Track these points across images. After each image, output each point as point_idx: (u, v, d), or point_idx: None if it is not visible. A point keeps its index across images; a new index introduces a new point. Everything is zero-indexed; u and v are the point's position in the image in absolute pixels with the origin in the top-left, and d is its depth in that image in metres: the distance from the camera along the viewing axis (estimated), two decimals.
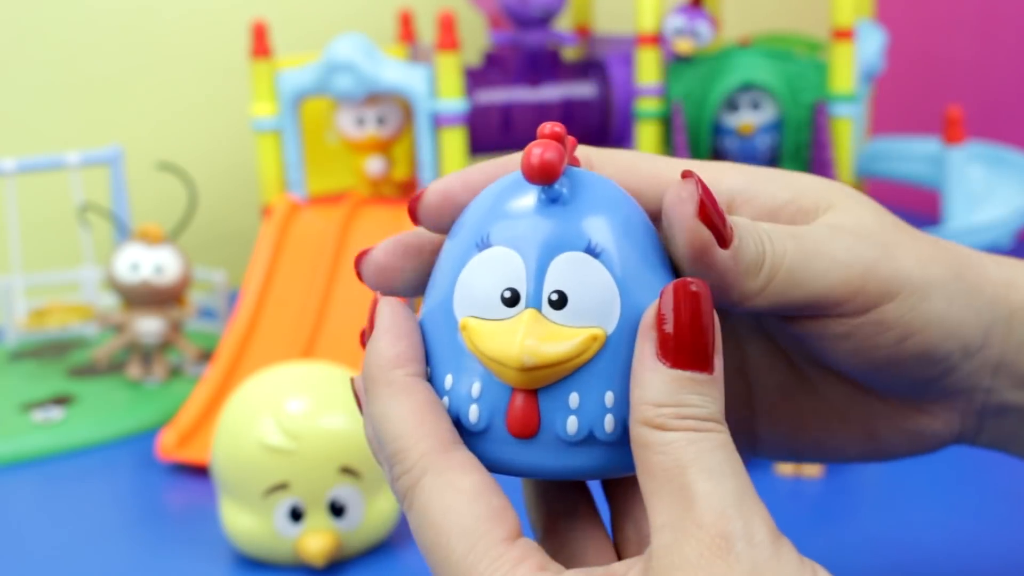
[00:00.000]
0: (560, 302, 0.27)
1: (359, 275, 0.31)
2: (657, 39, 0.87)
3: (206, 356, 0.86)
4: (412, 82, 0.83)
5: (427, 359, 0.29)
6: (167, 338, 0.84)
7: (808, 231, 0.30)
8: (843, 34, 0.84)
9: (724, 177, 0.32)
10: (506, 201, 0.28)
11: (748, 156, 0.91)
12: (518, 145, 1.01)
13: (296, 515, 0.57)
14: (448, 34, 0.82)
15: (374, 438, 0.29)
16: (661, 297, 0.27)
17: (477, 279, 0.28)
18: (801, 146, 0.89)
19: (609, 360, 0.27)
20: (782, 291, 0.29)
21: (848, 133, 0.86)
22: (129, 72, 1.11)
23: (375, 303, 0.30)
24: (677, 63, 0.89)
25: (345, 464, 0.57)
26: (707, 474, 0.25)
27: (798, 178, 0.33)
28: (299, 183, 0.87)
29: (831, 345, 0.30)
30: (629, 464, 0.28)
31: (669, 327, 0.26)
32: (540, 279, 0.27)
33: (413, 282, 0.31)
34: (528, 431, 0.27)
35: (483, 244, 0.28)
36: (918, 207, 1.27)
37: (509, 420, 0.27)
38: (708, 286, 0.27)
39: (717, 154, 0.92)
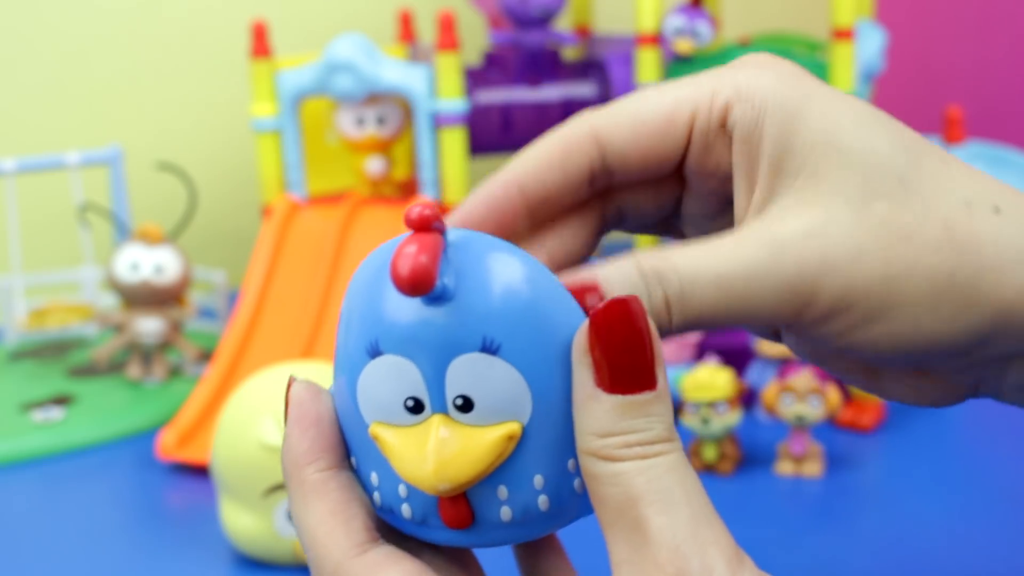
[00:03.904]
0: (466, 406, 0.25)
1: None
2: (657, 39, 0.87)
3: (206, 356, 0.86)
4: (412, 82, 0.83)
5: (348, 444, 0.28)
6: (167, 338, 0.84)
7: (742, 261, 0.26)
8: (843, 34, 0.84)
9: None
10: (387, 295, 0.26)
11: None
12: (517, 146, 1.01)
13: None
14: (448, 34, 0.82)
15: None
16: (590, 320, 0.25)
17: (376, 387, 0.26)
18: None
19: (532, 447, 0.26)
20: (698, 330, 0.27)
21: None
22: (129, 72, 1.11)
23: (289, 386, 0.29)
24: (677, 63, 0.89)
25: None
26: (659, 505, 0.24)
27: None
28: (299, 183, 0.87)
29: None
30: (575, 516, 0.28)
31: (601, 353, 0.25)
32: (440, 387, 0.25)
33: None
34: (463, 525, 0.27)
35: (373, 351, 0.26)
36: None
37: (443, 517, 0.27)
38: (638, 300, 0.25)
39: None
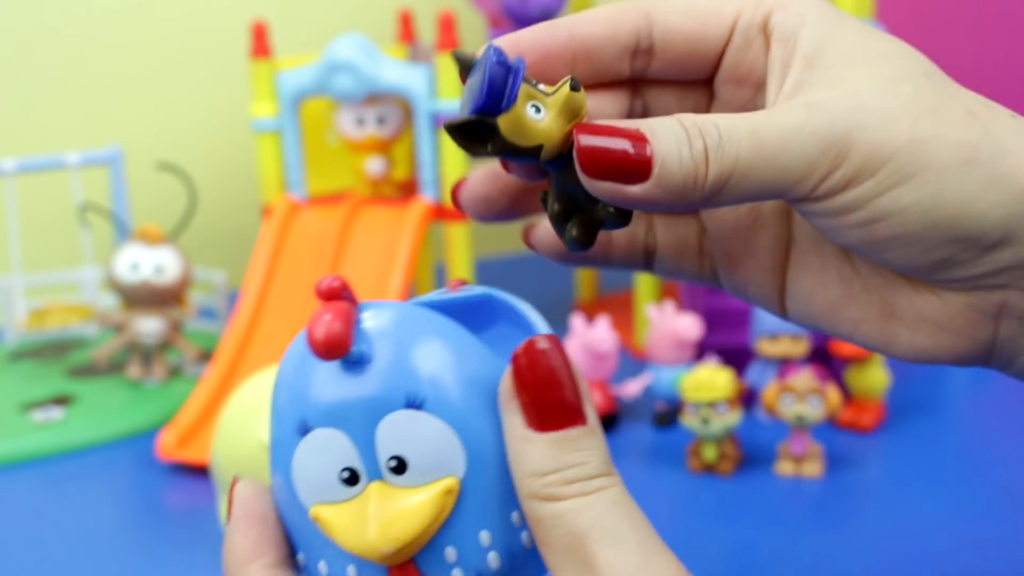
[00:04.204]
0: (400, 467, 0.26)
1: (457, 205, 0.32)
2: None
3: (206, 356, 0.86)
4: (412, 82, 0.83)
5: (293, 540, 0.28)
6: (167, 338, 0.84)
7: (775, 120, 0.27)
8: None
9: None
10: (311, 372, 0.27)
11: None
12: None
13: None
14: (448, 34, 0.82)
15: None
16: (512, 364, 0.25)
17: (311, 466, 0.26)
18: None
19: (472, 501, 0.26)
20: (731, 195, 0.27)
21: None
22: (129, 72, 1.11)
23: (233, 485, 0.29)
24: None
25: None
26: (606, 540, 0.24)
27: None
28: (299, 183, 0.87)
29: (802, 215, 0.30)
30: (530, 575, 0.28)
31: (528, 394, 0.25)
32: (371, 451, 0.26)
33: (504, 208, 0.32)
34: None
35: (303, 428, 0.26)
36: None
37: None
38: (556, 338, 0.26)
39: None
